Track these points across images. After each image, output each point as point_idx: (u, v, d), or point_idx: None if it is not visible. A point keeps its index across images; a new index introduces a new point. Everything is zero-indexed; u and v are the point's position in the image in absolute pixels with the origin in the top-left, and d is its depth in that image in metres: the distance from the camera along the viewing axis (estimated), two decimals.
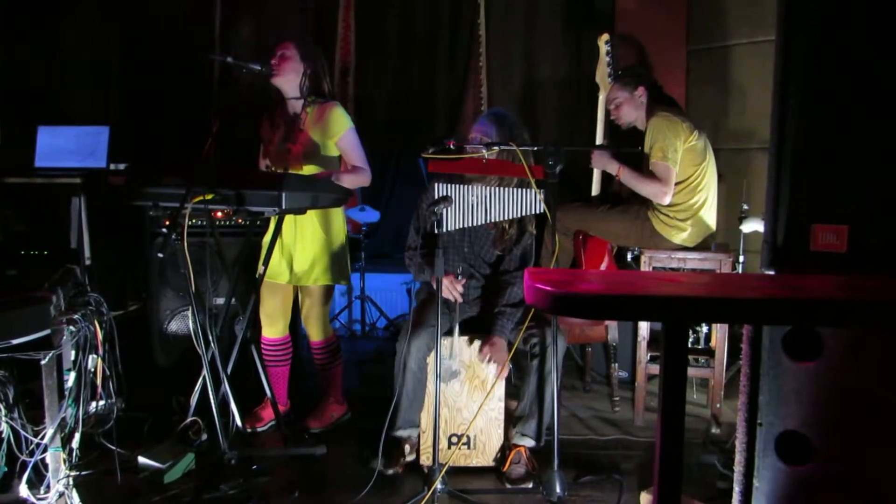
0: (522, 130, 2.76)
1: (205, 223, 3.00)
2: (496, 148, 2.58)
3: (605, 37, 3.52)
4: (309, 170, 2.92)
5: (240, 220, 3.46)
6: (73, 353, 2.16)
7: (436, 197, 2.50)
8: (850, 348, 1.54)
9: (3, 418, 2.10)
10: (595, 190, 3.49)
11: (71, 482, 2.18)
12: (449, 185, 2.54)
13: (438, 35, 4.81)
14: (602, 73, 3.51)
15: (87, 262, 3.51)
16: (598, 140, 3.49)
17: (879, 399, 1.53)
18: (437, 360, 2.43)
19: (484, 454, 2.71)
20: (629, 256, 3.52)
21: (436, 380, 2.43)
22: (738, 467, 1.70)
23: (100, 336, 2.21)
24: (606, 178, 3.42)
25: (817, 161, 1.64)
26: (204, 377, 2.57)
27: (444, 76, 4.84)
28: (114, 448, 2.46)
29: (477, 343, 2.69)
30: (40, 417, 2.12)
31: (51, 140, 4.04)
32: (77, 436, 2.22)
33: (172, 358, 3.50)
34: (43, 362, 2.03)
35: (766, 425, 1.64)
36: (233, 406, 2.59)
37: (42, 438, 2.10)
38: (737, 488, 1.71)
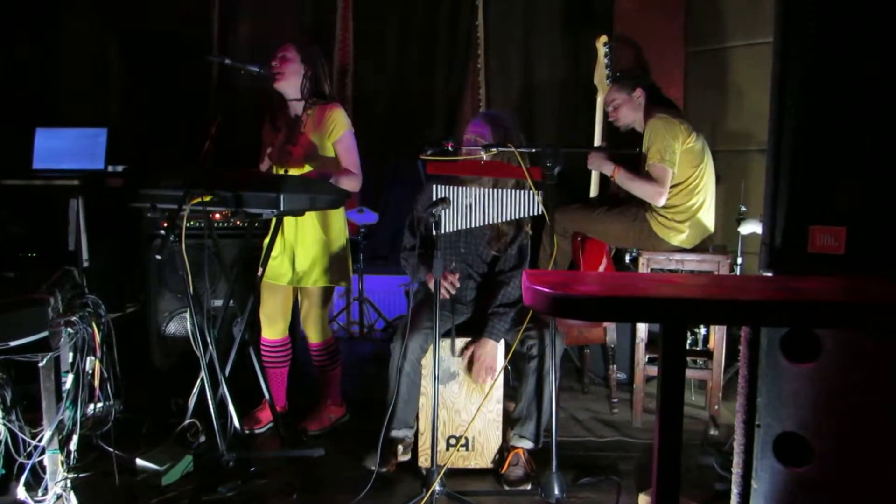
0: (518, 132, 2.76)
1: (203, 225, 2.99)
2: (494, 150, 2.58)
3: (604, 39, 3.52)
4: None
5: (238, 222, 3.46)
6: (70, 354, 2.16)
7: (434, 199, 2.50)
8: (849, 350, 1.54)
9: (1, 420, 2.10)
10: (593, 191, 3.49)
11: (69, 484, 2.17)
12: (446, 187, 2.53)
13: (437, 36, 4.80)
14: (600, 75, 3.51)
15: (85, 264, 3.49)
16: (597, 142, 3.50)
17: (877, 401, 1.53)
18: (435, 361, 2.43)
19: (482, 456, 2.71)
20: (627, 258, 3.52)
21: (434, 381, 2.43)
22: (737, 469, 1.70)
23: (98, 338, 2.20)
24: (605, 179, 3.42)
25: (815, 163, 1.64)
26: (202, 379, 2.58)
27: (442, 77, 4.83)
28: (112, 450, 2.45)
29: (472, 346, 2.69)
30: (38, 419, 2.11)
31: (49, 142, 4.03)
32: (75, 438, 2.22)
33: (170, 360, 3.50)
34: (41, 364, 2.03)
35: (764, 427, 1.64)
36: (231, 408, 2.59)
37: (40, 440, 2.10)
38: (735, 490, 1.71)
